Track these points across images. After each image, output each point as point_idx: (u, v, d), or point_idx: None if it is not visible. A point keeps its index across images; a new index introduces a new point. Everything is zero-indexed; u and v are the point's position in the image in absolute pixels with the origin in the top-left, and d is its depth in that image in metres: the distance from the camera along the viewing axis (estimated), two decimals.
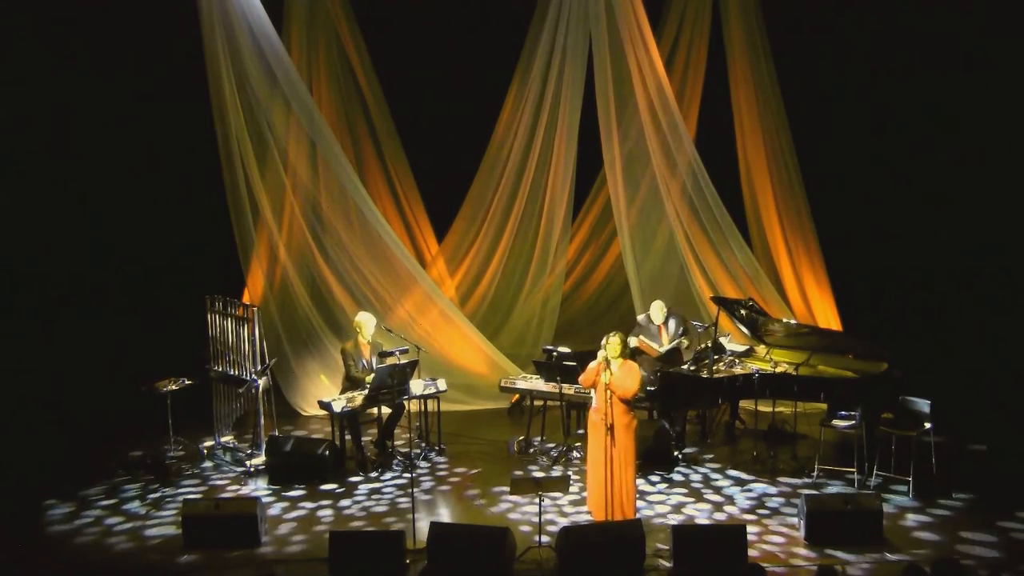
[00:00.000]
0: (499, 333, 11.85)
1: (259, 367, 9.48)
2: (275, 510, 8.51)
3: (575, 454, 9.57)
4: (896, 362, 9.19)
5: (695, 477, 9.17)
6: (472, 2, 12.25)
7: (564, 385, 9.34)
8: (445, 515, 8.49)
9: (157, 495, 8.88)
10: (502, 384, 10.17)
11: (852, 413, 9.04)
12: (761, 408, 10.44)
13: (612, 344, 7.88)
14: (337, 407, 9.21)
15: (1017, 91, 11.88)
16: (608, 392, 7.81)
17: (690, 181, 11.34)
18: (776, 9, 11.69)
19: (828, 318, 11.64)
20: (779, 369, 9.39)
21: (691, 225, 11.40)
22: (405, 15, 12.42)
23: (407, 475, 9.03)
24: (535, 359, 9.84)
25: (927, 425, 8.69)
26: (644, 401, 9.75)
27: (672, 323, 10.17)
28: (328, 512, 8.52)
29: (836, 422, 9.17)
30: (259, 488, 9.04)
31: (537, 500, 7.71)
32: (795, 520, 8.03)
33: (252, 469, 9.37)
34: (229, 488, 9.11)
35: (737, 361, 9.87)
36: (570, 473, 8.92)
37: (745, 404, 10.30)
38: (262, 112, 10.72)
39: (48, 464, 9.63)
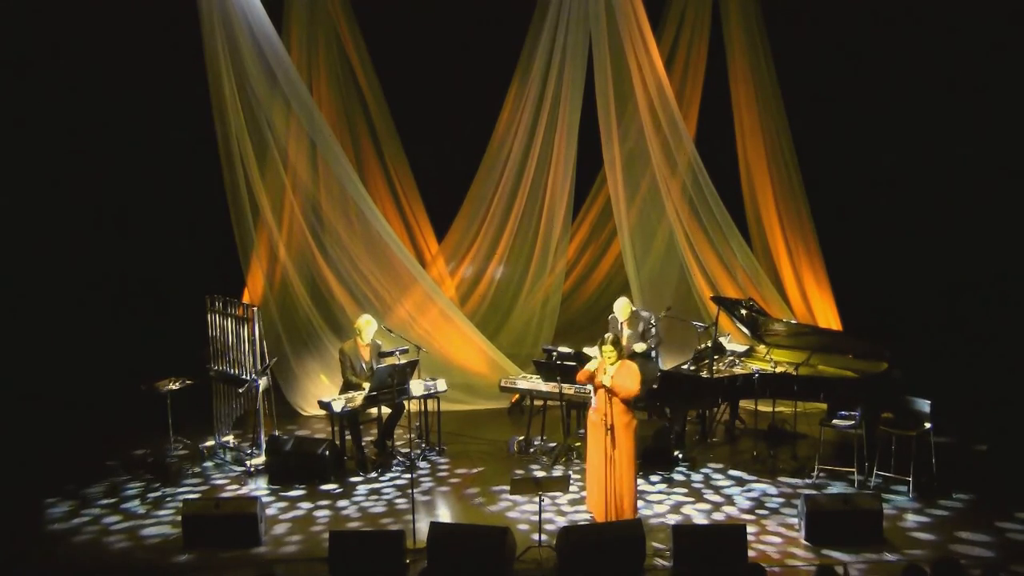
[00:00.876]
0: (499, 333, 11.85)
1: (259, 367, 9.49)
2: (275, 510, 8.51)
3: (575, 454, 9.57)
4: (896, 362, 9.19)
5: (695, 477, 9.17)
6: (472, 2, 12.25)
7: (564, 385, 9.34)
8: (445, 515, 8.49)
9: (157, 494, 8.88)
10: (502, 384, 10.17)
11: (852, 413, 9.03)
12: (761, 408, 10.44)
13: (607, 352, 7.90)
14: (337, 407, 9.21)
15: (1017, 91, 11.87)
16: (608, 393, 7.81)
17: (690, 181, 11.34)
18: (776, 9, 11.70)
19: (828, 318, 11.64)
20: (779, 369, 9.39)
21: (691, 225, 11.40)
22: (405, 15, 12.41)
23: (407, 475, 9.03)
24: (535, 359, 9.84)
25: (927, 425, 8.69)
26: (641, 401, 9.75)
27: (639, 323, 10.04)
28: (328, 512, 8.52)
29: (836, 422, 9.16)
30: (259, 488, 9.04)
31: (537, 500, 7.71)
32: (795, 520, 8.03)
33: (252, 469, 9.37)
34: (229, 488, 9.11)
35: (737, 361, 9.88)
36: (570, 473, 8.92)
37: (745, 404, 10.29)
38: (262, 112, 10.72)
39: (48, 463, 9.63)
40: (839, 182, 12.37)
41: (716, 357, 9.67)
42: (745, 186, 11.99)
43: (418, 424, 9.88)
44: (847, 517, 7.72)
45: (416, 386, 9.59)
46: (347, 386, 9.56)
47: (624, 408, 7.88)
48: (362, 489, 9.00)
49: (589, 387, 9.23)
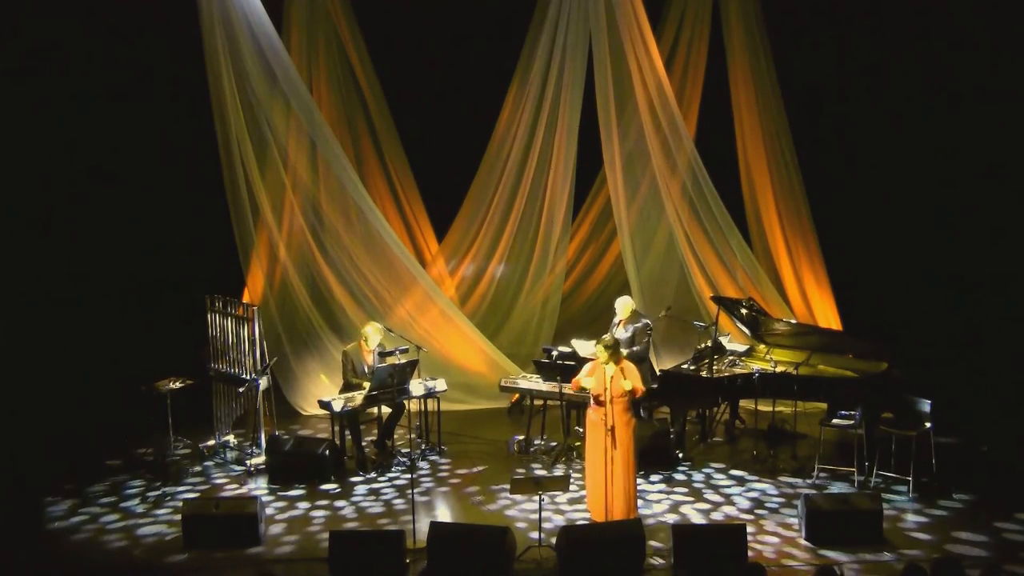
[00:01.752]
0: (499, 333, 11.84)
1: (259, 367, 9.49)
2: (275, 510, 8.51)
3: (575, 453, 9.57)
4: (896, 362, 9.19)
5: (696, 477, 9.17)
6: (472, 2, 12.25)
7: (564, 385, 9.33)
8: (444, 515, 8.49)
9: (157, 494, 8.88)
10: (503, 384, 10.17)
11: (852, 413, 9.03)
12: (761, 408, 10.44)
13: (599, 353, 7.91)
14: (337, 407, 9.21)
15: (1017, 91, 11.87)
16: (609, 393, 7.81)
17: (690, 181, 11.34)
18: (776, 9, 11.69)
19: (828, 318, 11.64)
20: (779, 369, 9.39)
21: (691, 225, 11.40)
22: (405, 14, 12.41)
23: (407, 475, 9.02)
24: (535, 359, 9.83)
25: (927, 425, 8.69)
26: (643, 400, 9.75)
27: (632, 328, 9.86)
28: (328, 512, 8.51)
29: (836, 422, 9.17)
30: (259, 488, 9.04)
31: (537, 499, 7.71)
32: (795, 520, 8.03)
33: (252, 469, 9.37)
34: (229, 487, 9.11)
35: (737, 361, 9.88)
36: (571, 472, 8.92)
37: (745, 404, 10.30)
38: (262, 112, 10.72)
39: (48, 463, 9.62)
40: (839, 182, 12.37)
41: (716, 357, 9.67)
42: (745, 186, 11.99)
43: (418, 424, 9.88)
44: (847, 517, 7.72)
45: (416, 386, 9.59)
46: (347, 387, 9.57)
47: (624, 407, 7.88)
48: (362, 489, 9.00)
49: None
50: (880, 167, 12.58)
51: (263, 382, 9.62)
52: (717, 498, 8.69)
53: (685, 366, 9.89)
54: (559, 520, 8.19)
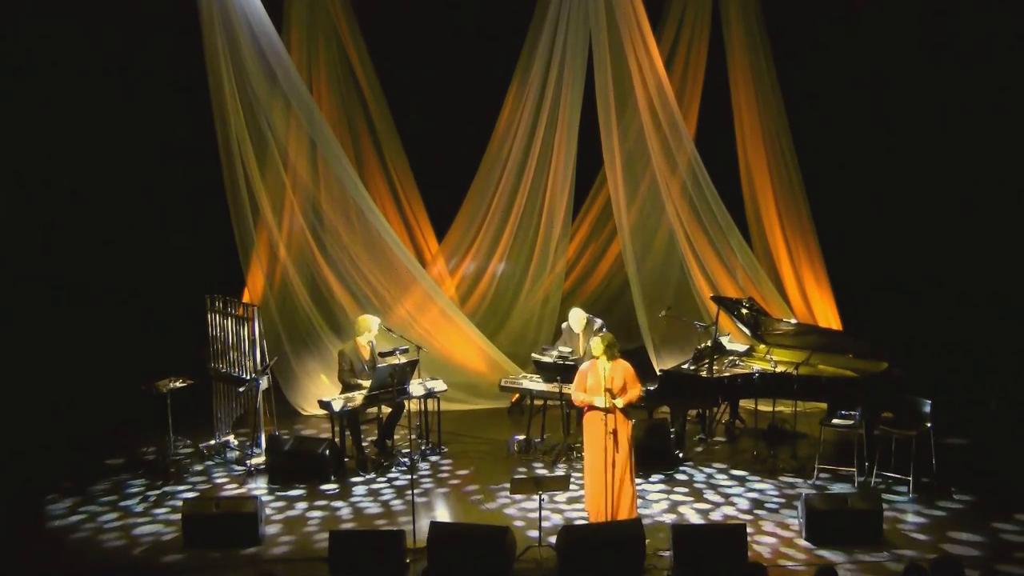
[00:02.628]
0: (499, 332, 11.84)
1: (260, 367, 9.48)
2: (275, 509, 8.51)
3: (575, 453, 9.58)
4: (896, 361, 9.19)
5: (696, 477, 9.17)
6: (472, 2, 12.25)
7: (564, 385, 9.34)
8: (444, 515, 8.49)
9: (158, 493, 8.88)
10: (503, 384, 10.16)
11: (852, 413, 9.03)
12: (761, 408, 10.44)
13: (595, 348, 7.93)
14: (337, 407, 9.21)
15: (1016, 91, 11.87)
16: (610, 395, 7.80)
17: (690, 181, 11.34)
18: (776, 9, 11.69)
19: (828, 318, 11.64)
20: (779, 368, 9.39)
21: (691, 225, 11.40)
22: (405, 15, 12.41)
23: (407, 475, 9.02)
24: (535, 356, 9.83)
25: (927, 425, 8.69)
26: (643, 401, 9.75)
27: (591, 334, 9.84)
28: (327, 512, 8.51)
29: (836, 422, 9.16)
30: (259, 487, 9.03)
31: (537, 499, 7.72)
32: (795, 520, 8.03)
33: (252, 469, 9.37)
34: (229, 487, 9.11)
35: (737, 361, 9.88)
36: (571, 473, 8.92)
37: (745, 404, 10.29)
38: (262, 112, 10.72)
39: (47, 462, 9.63)
40: (839, 182, 12.37)
41: (716, 357, 9.66)
42: (745, 186, 11.99)
43: (418, 424, 9.88)
44: (847, 517, 7.72)
45: (415, 386, 9.58)
46: (346, 387, 9.56)
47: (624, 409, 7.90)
48: (362, 489, 9.00)
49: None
50: (880, 167, 12.58)
51: (263, 382, 9.62)
52: (717, 498, 8.69)
53: (685, 366, 9.88)
54: (557, 519, 8.18)
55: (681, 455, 9.52)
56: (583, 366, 8.14)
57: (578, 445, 9.61)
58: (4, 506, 8.64)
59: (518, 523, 8.12)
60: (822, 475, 9.00)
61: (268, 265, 11.23)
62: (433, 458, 9.74)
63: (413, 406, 9.65)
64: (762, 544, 7.74)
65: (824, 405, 9.59)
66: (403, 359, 9.33)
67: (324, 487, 8.97)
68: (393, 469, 9.42)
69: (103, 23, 11.72)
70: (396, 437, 10.01)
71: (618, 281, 12.69)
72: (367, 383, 9.32)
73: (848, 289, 11.86)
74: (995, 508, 8.30)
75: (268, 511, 8.34)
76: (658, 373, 9.94)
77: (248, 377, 9.52)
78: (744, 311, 9.91)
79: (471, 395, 11.19)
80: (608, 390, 7.79)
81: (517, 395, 10.75)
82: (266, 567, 7.35)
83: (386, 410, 9.72)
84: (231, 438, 9.95)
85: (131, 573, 7.55)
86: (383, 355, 9.55)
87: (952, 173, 12.27)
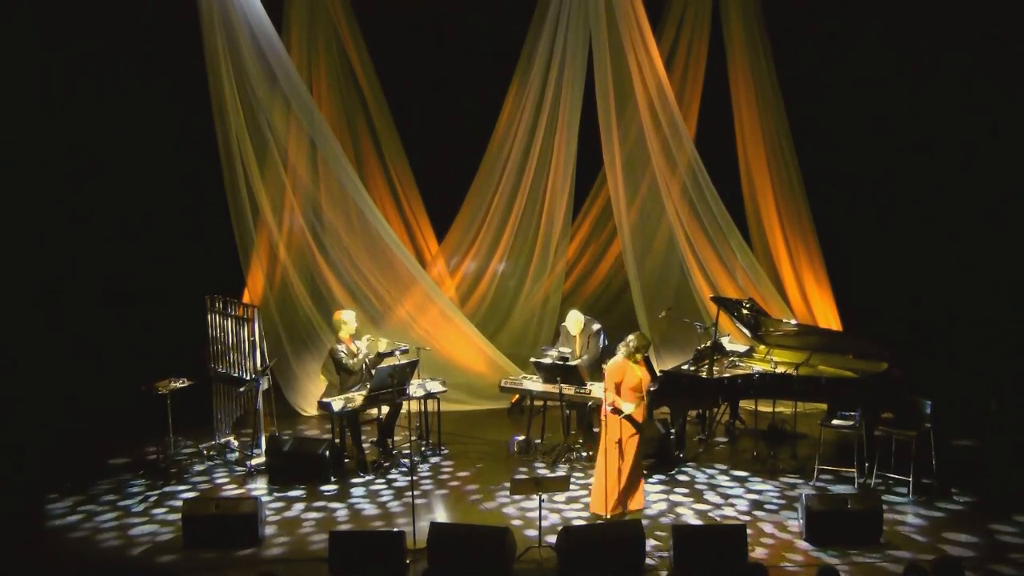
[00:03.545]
0: (499, 333, 11.84)
1: (259, 367, 9.48)
2: (274, 510, 8.50)
3: (575, 453, 9.58)
4: (896, 362, 9.19)
5: (697, 477, 9.17)
6: (472, 2, 12.25)
7: (564, 385, 9.33)
8: (443, 515, 8.49)
9: (158, 494, 8.88)
10: (503, 384, 10.16)
11: (852, 413, 9.03)
12: (761, 408, 10.44)
13: (631, 348, 8.10)
14: (337, 407, 9.21)
15: (1017, 91, 11.87)
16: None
17: (690, 181, 11.34)
18: (776, 9, 11.69)
19: (828, 318, 11.64)
20: (779, 369, 9.39)
21: (691, 225, 11.40)
22: (405, 15, 12.41)
23: (407, 476, 9.02)
24: (534, 359, 9.83)
25: (927, 426, 8.68)
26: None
27: (587, 336, 9.90)
28: (327, 512, 8.51)
29: (836, 422, 9.16)
30: (259, 488, 9.03)
31: (537, 499, 7.72)
32: (795, 520, 8.03)
33: (252, 469, 9.36)
34: (228, 488, 9.11)
35: (737, 361, 9.88)
36: (571, 474, 8.93)
37: (745, 404, 10.29)
38: (262, 112, 10.72)
39: (47, 463, 9.62)
40: (839, 182, 12.37)
41: (716, 357, 9.66)
42: (745, 186, 11.99)
43: (418, 425, 9.88)
44: (847, 517, 7.72)
45: (414, 387, 9.57)
46: (346, 373, 9.49)
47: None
48: (362, 490, 8.99)
49: (592, 387, 9.28)
50: (880, 167, 12.57)
51: (263, 382, 9.61)
52: (717, 498, 8.69)
53: (685, 366, 9.88)
54: (555, 519, 8.18)
55: (681, 455, 9.51)
56: (612, 375, 8.12)
57: (578, 446, 9.63)
58: (5, 506, 8.63)
59: (516, 522, 8.11)
60: (822, 476, 9.00)
61: (268, 265, 11.23)
62: (434, 460, 9.74)
63: (413, 407, 9.65)
64: (762, 545, 7.74)
65: (824, 405, 9.59)
66: (403, 359, 9.33)
67: (324, 488, 8.97)
68: (393, 470, 9.42)
69: (103, 23, 11.71)
70: (397, 438, 10.01)
71: (618, 281, 12.69)
72: (352, 362, 9.30)
73: (848, 289, 11.86)
74: (994, 509, 8.29)
75: (268, 512, 8.33)
76: (658, 373, 9.93)
77: (248, 378, 9.51)
78: (744, 312, 9.91)
79: (471, 396, 11.19)
80: (617, 410, 7.99)
81: (517, 396, 10.75)
82: (266, 568, 7.35)
83: (386, 410, 9.72)
84: (231, 439, 9.95)
85: (131, 573, 7.54)
86: (383, 355, 9.55)
87: (952, 173, 12.26)
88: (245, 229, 10.88)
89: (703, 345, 9.96)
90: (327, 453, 9.16)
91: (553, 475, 8.84)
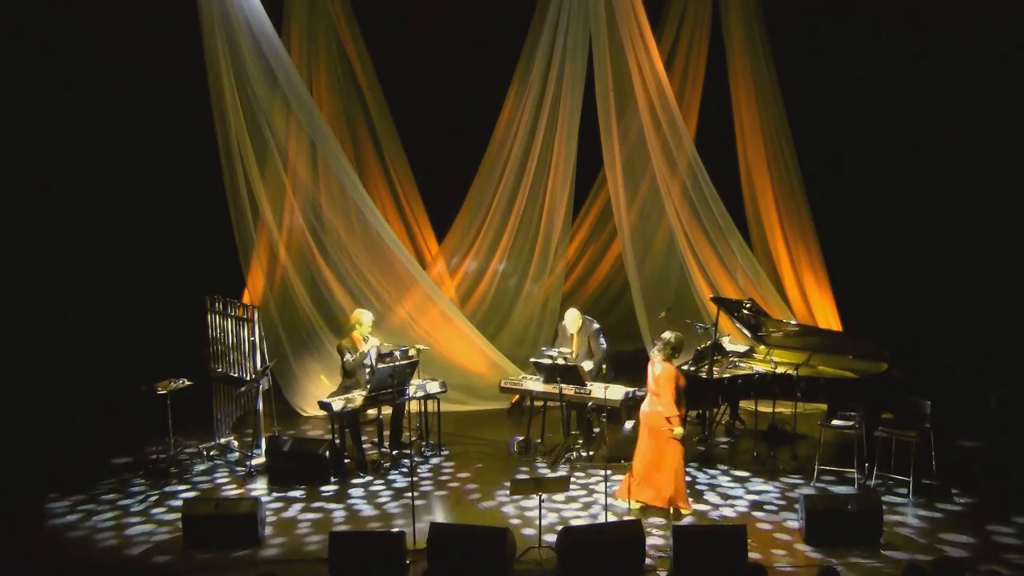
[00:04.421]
0: (499, 334, 11.84)
1: (259, 368, 9.48)
2: (274, 510, 8.50)
3: (575, 454, 9.59)
4: (896, 362, 9.19)
5: (698, 477, 9.16)
6: (472, 2, 12.25)
7: (564, 386, 9.33)
8: (443, 516, 8.48)
9: (158, 494, 8.88)
10: (503, 384, 10.16)
11: (852, 413, 9.03)
12: (761, 408, 10.44)
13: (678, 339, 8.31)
14: (337, 407, 9.21)
15: (1017, 91, 11.87)
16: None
17: (690, 181, 11.34)
18: (776, 9, 11.69)
19: (828, 318, 11.64)
20: (779, 369, 9.39)
21: (691, 225, 11.40)
22: (405, 15, 12.41)
23: (407, 477, 9.02)
24: (534, 359, 9.83)
25: (927, 425, 8.68)
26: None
27: (586, 336, 9.89)
28: (327, 513, 8.51)
29: (836, 422, 9.16)
30: (259, 488, 9.03)
31: (537, 499, 7.72)
32: (795, 520, 8.03)
33: (252, 469, 9.36)
34: (228, 488, 9.11)
35: (737, 361, 9.88)
36: (571, 474, 8.93)
37: (745, 404, 10.29)
38: (262, 112, 10.72)
39: (47, 463, 9.62)
40: (839, 182, 12.36)
41: (716, 357, 9.66)
42: (745, 186, 11.99)
43: (418, 425, 9.87)
44: (847, 517, 7.72)
45: (413, 387, 9.58)
46: (345, 375, 9.50)
47: None
48: (362, 490, 8.99)
49: (592, 387, 9.29)
50: (880, 167, 12.58)
51: (263, 383, 9.61)
52: (717, 498, 8.69)
53: (685, 367, 9.88)
54: (551, 517, 8.18)
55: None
56: (667, 369, 8.26)
57: (577, 446, 9.63)
58: (5, 506, 8.63)
59: (514, 521, 8.12)
60: (822, 476, 9.00)
61: (268, 266, 11.23)
62: (435, 461, 9.73)
63: (413, 407, 9.64)
64: (762, 544, 7.74)
65: (824, 406, 9.59)
66: (403, 360, 9.33)
67: (324, 488, 8.96)
68: (393, 471, 9.41)
69: (103, 23, 11.71)
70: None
71: (618, 282, 12.70)
72: (351, 358, 9.34)
73: (848, 289, 11.86)
74: (994, 510, 8.29)
75: (268, 512, 8.33)
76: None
77: (248, 378, 9.51)
78: (744, 312, 9.91)
79: (471, 396, 11.19)
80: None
81: (517, 396, 10.75)
82: (266, 568, 7.35)
83: (386, 411, 9.71)
84: (232, 439, 9.95)
85: (131, 573, 7.54)
86: (384, 355, 9.55)
87: (952, 173, 12.26)
88: (245, 229, 10.88)
89: (703, 345, 9.97)
90: (327, 453, 9.16)
91: (553, 475, 8.83)
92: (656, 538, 7.78)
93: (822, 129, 12.18)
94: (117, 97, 12.14)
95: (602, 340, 9.94)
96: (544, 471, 9.28)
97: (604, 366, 9.91)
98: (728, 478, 9.16)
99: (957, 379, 10.59)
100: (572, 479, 8.51)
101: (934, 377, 9.60)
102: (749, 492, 8.79)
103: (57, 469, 9.36)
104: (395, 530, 7.80)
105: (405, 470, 9.28)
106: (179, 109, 11.70)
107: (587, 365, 9.75)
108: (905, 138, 12.34)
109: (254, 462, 9.44)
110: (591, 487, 8.88)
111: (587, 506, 8.51)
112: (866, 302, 11.83)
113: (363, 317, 9.63)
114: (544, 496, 7.87)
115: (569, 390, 9.38)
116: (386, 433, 9.88)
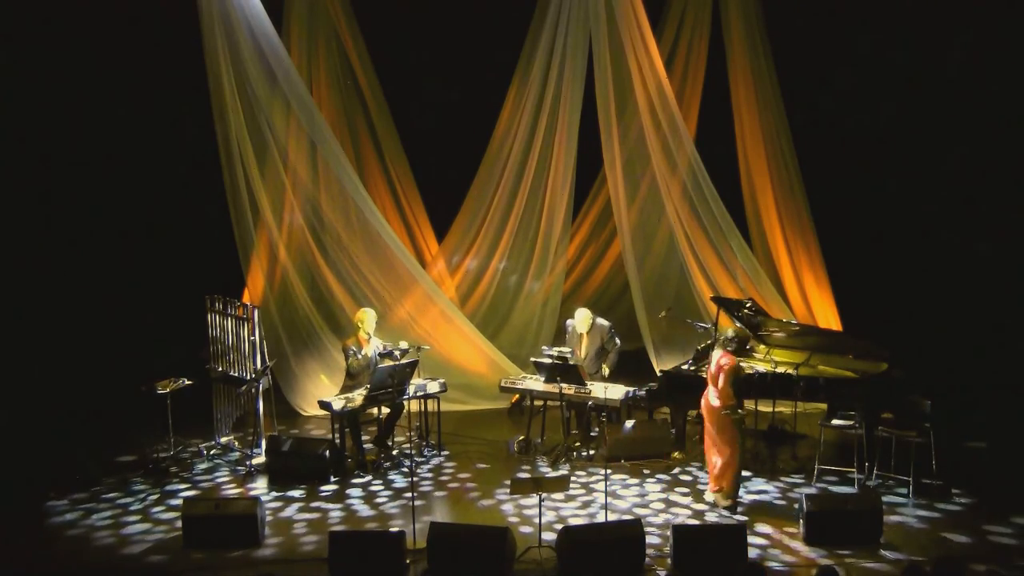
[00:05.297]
0: (499, 333, 11.84)
1: (259, 368, 9.48)
2: (274, 510, 8.50)
3: (575, 454, 9.59)
4: (896, 362, 9.19)
5: (699, 477, 9.16)
6: (472, 2, 12.25)
7: (564, 385, 9.33)
8: (445, 515, 8.48)
9: (158, 494, 8.88)
10: (503, 384, 10.16)
11: (852, 413, 9.03)
12: (761, 408, 10.43)
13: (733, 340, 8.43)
14: (337, 407, 9.21)
15: (1017, 91, 11.87)
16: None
17: (690, 181, 11.35)
18: (776, 9, 11.70)
19: (828, 318, 11.64)
20: (779, 369, 9.39)
21: (691, 225, 11.40)
22: (405, 14, 12.42)
23: (407, 477, 9.02)
24: (535, 359, 9.83)
25: (927, 425, 8.68)
26: (644, 401, 9.76)
27: (598, 336, 9.88)
28: (327, 512, 8.51)
29: (836, 422, 9.16)
30: (259, 488, 9.03)
31: (536, 498, 7.72)
32: (795, 520, 8.02)
33: (252, 469, 9.36)
34: (228, 488, 9.11)
35: None
36: (572, 474, 8.93)
37: (745, 404, 10.26)
38: (262, 112, 10.72)
39: (46, 463, 9.61)
40: (839, 182, 12.37)
41: None
42: (745, 186, 12.00)
43: (418, 425, 9.87)
44: (847, 517, 7.72)
45: (412, 387, 9.58)
46: (348, 376, 9.51)
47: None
48: (361, 490, 8.99)
49: (592, 387, 9.29)
50: (880, 167, 12.58)
51: (263, 382, 9.61)
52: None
53: (685, 366, 9.89)
54: (550, 517, 8.18)
55: (681, 456, 9.51)
56: (732, 363, 8.31)
57: (577, 445, 9.63)
58: (5, 506, 8.63)
59: (512, 519, 8.12)
60: (823, 476, 8.99)
61: (268, 266, 11.23)
62: (435, 461, 9.73)
63: (412, 407, 9.64)
64: (762, 544, 7.74)
65: (824, 406, 9.59)
66: (403, 359, 9.32)
67: (324, 488, 8.96)
68: (393, 470, 9.41)
69: (103, 23, 11.71)
70: (398, 439, 10.00)
71: (618, 282, 12.70)
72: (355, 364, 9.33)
73: (848, 289, 11.86)
74: (994, 510, 8.29)
75: (268, 512, 8.32)
76: (658, 373, 9.92)
77: (248, 378, 9.51)
78: (744, 312, 9.91)
79: (471, 396, 11.19)
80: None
81: (517, 396, 10.76)
82: (266, 567, 7.35)
83: (386, 410, 9.71)
84: (232, 439, 9.95)
85: (130, 573, 7.54)
86: (383, 355, 9.55)
87: (952, 173, 12.26)
88: (245, 229, 10.88)
89: (703, 345, 9.97)
90: (327, 453, 9.16)
91: (553, 475, 8.83)
92: (655, 538, 7.78)
93: (822, 129, 12.17)
94: (117, 97, 12.14)
95: (616, 338, 9.93)
96: (545, 470, 9.28)
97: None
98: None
99: (957, 379, 10.58)
100: (572, 479, 8.50)
101: (934, 377, 9.59)
102: (749, 492, 8.78)
103: (54, 470, 9.34)
104: (395, 530, 7.81)
105: (405, 470, 9.28)
106: (179, 109, 11.70)
107: (605, 370, 9.80)
108: (905, 138, 12.33)
109: (254, 462, 9.44)
110: (591, 486, 8.88)
111: (586, 505, 8.51)
112: (866, 302, 11.83)
113: (367, 316, 9.64)
114: (544, 495, 7.86)
115: (569, 390, 9.39)
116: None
